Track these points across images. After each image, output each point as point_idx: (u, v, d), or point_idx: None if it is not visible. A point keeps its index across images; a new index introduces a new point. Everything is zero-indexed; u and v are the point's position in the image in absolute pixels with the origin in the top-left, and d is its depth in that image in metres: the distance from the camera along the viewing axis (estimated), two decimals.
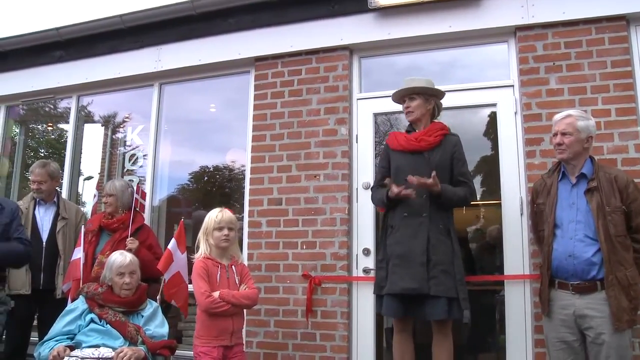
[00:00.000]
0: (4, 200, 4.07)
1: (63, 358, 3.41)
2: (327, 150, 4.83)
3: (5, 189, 6.70)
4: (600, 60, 4.24)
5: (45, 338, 3.66)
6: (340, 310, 4.53)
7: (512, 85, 4.48)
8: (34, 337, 4.72)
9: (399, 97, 4.00)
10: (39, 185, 4.81)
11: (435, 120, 3.98)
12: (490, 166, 4.59)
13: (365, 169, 4.74)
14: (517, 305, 4.16)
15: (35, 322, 4.86)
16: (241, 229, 4.99)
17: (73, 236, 4.87)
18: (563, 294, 3.33)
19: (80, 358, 3.40)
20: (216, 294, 3.64)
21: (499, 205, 4.38)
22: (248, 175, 5.14)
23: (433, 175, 3.56)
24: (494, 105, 4.52)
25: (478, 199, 4.75)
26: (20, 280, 4.53)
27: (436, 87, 3.95)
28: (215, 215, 3.84)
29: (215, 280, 3.72)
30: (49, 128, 7.41)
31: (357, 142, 4.84)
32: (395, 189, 3.67)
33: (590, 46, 4.29)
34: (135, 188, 4.76)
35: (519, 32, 4.45)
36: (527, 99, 4.32)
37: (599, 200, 3.25)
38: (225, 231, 3.79)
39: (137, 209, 4.66)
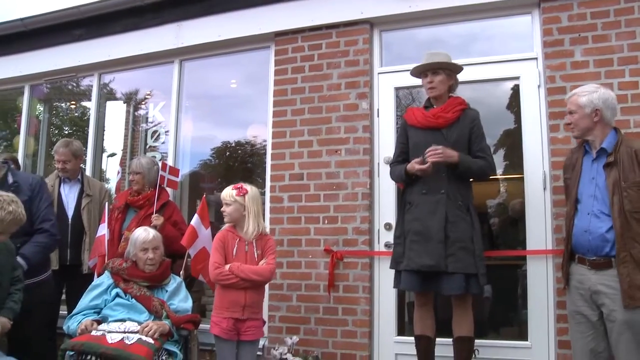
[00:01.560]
0: (20, 177, 4.11)
1: (91, 332, 3.50)
2: (348, 125, 4.81)
3: (32, 167, 6.80)
4: (628, 31, 4.11)
5: (73, 312, 3.76)
6: (362, 285, 4.56)
7: (536, 58, 4.39)
8: (62, 311, 4.84)
9: (420, 71, 3.93)
10: (64, 165, 4.88)
11: (453, 95, 3.93)
12: (513, 140, 4.54)
13: (386, 143, 4.71)
14: (540, 281, 4.14)
15: (63, 297, 4.98)
16: (263, 203, 5.02)
17: (98, 213, 4.94)
18: (581, 268, 3.33)
19: (107, 332, 3.49)
20: (228, 266, 3.70)
21: (522, 179, 4.34)
22: (269, 151, 5.15)
23: (442, 148, 3.58)
24: (517, 78, 4.44)
25: (500, 172, 4.73)
26: None
27: (456, 61, 3.91)
28: None
29: (231, 252, 3.78)
30: (72, 106, 7.47)
31: (378, 116, 4.82)
32: (416, 166, 3.66)
33: (618, 16, 4.16)
34: (160, 165, 4.80)
35: (543, 3, 4.34)
36: (551, 72, 4.24)
37: (616, 175, 3.20)
38: (223, 207, 3.87)
39: (163, 186, 4.71)
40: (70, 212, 4.86)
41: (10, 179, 3.99)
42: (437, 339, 3.85)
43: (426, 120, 3.80)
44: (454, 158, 3.61)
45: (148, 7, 5.73)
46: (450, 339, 3.77)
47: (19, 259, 3.74)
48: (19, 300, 3.48)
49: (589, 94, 3.38)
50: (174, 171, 4.89)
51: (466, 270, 3.55)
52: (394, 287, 3.95)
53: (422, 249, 3.62)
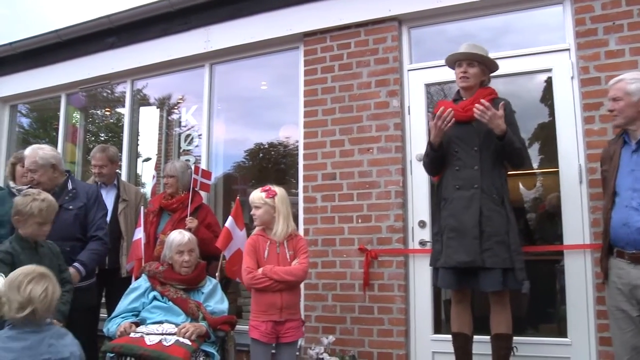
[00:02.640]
0: (79, 184, 4.31)
1: (129, 334, 3.57)
2: (380, 123, 4.79)
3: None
4: None
5: (112, 315, 3.85)
6: (397, 283, 4.53)
7: (568, 49, 4.30)
8: (102, 314, 4.93)
9: (457, 59, 3.86)
10: (100, 170, 4.99)
11: (485, 86, 3.87)
12: (547, 133, 4.45)
13: (418, 140, 4.68)
14: (578, 276, 4.06)
15: (103, 300, 5.08)
16: (296, 204, 5.04)
17: (134, 217, 5.04)
18: (620, 262, 3.24)
19: (145, 334, 3.55)
20: (261, 270, 3.71)
21: (557, 173, 4.25)
22: (301, 151, 5.16)
23: (502, 104, 3.51)
24: (550, 70, 4.36)
25: (536, 166, 4.65)
26: None
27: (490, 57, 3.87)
28: None
29: (262, 256, 3.79)
30: (107, 113, 7.62)
31: (409, 113, 4.78)
32: (430, 123, 3.65)
33: None
34: (193, 168, 4.86)
35: None
36: (584, 63, 4.15)
37: None
38: (253, 210, 3.89)
39: (196, 189, 4.76)
40: (107, 217, 4.94)
41: (70, 186, 4.16)
42: (475, 337, 3.81)
43: (456, 113, 3.74)
44: (501, 127, 3.50)
45: (177, 13, 5.81)
46: (488, 336, 3.72)
47: (77, 265, 3.87)
48: (67, 302, 3.54)
49: (637, 81, 3.27)
50: (207, 174, 4.93)
51: (503, 265, 3.50)
52: (433, 284, 3.92)
53: (458, 245, 3.58)
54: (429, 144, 3.79)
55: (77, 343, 2.84)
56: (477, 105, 3.50)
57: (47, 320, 2.75)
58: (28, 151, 4.13)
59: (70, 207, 4.00)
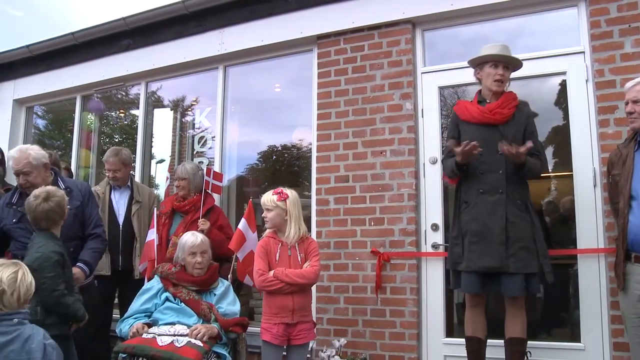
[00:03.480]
0: (73, 183, 4.28)
1: (142, 334, 3.58)
2: (393, 125, 4.78)
3: (84, 174, 6.98)
4: None
5: (125, 316, 3.87)
6: (409, 286, 4.52)
7: (583, 52, 4.27)
8: (115, 314, 4.96)
9: (495, 61, 3.78)
10: (114, 174, 5.01)
11: (506, 90, 3.85)
12: (561, 137, 4.42)
13: (431, 143, 4.67)
14: (592, 280, 4.02)
15: (116, 301, 5.11)
16: (309, 206, 5.04)
17: (147, 218, 5.04)
18: None
19: (158, 335, 3.56)
20: (272, 272, 3.72)
21: (571, 176, 4.23)
22: (314, 153, 5.16)
23: (528, 147, 3.49)
24: (564, 73, 4.33)
25: (550, 170, 4.62)
26: (101, 262, 4.73)
27: None
28: None
29: (274, 258, 3.79)
30: (121, 114, 7.66)
31: (422, 116, 4.77)
32: (458, 149, 3.57)
33: None
34: (205, 170, 4.87)
35: None
36: (599, 66, 4.12)
37: None
38: (264, 212, 3.89)
39: (208, 191, 4.78)
40: (120, 219, 4.99)
41: (62, 185, 4.11)
42: (488, 340, 3.79)
43: (482, 116, 3.71)
44: (520, 159, 3.52)
45: (191, 16, 5.84)
46: (501, 340, 3.71)
47: (81, 264, 3.89)
48: (78, 292, 3.60)
49: None
50: (218, 176, 4.94)
51: (527, 270, 3.49)
52: (452, 288, 3.91)
53: (483, 250, 3.56)
54: (457, 165, 3.70)
55: (44, 344, 2.74)
56: (504, 147, 3.49)
57: (14, 320, 2.68)
58: (16, 153, 3.98)
59: (68, 206, 3.99)
